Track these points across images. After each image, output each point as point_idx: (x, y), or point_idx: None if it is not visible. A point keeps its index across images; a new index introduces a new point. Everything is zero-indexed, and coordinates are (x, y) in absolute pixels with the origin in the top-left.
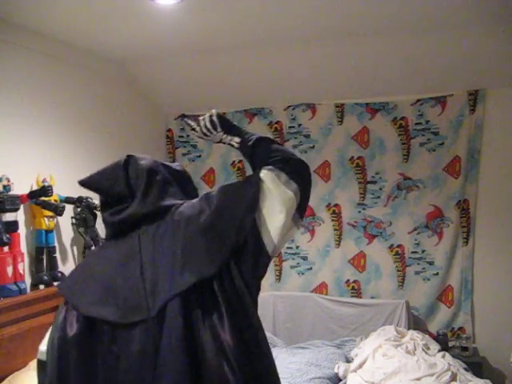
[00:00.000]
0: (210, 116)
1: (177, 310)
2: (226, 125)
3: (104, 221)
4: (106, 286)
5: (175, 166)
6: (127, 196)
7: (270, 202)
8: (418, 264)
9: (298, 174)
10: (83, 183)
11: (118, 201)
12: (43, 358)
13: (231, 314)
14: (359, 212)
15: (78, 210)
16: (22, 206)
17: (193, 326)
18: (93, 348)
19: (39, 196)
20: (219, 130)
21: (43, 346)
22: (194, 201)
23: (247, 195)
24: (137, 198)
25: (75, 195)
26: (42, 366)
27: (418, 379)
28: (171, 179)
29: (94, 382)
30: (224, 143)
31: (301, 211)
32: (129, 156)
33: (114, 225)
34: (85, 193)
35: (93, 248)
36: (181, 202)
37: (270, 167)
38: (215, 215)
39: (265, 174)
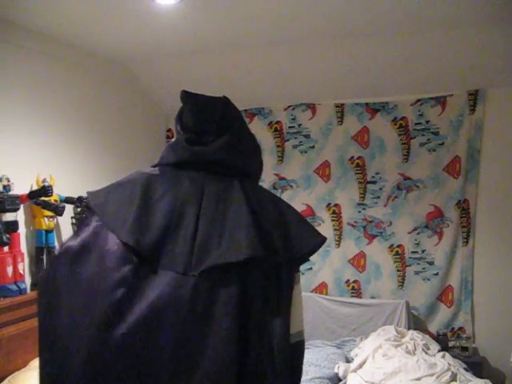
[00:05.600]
0: None
1: (234, 282)
2: None
3: (176, 144)
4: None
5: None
6: (211, 131)
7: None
8: (418, 264)
9: None
10: (185, 91)
11: (197, 132)
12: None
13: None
14: (359, 212)
15: (78, 209)
16: (21, 206)
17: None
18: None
19: (39, 196)
20: None
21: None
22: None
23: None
24: (224, 139)
25: (75, 195)
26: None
27: (418, 379)
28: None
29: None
30: None
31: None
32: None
33: (189, 154)
34: (85, 193)
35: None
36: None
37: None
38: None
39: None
